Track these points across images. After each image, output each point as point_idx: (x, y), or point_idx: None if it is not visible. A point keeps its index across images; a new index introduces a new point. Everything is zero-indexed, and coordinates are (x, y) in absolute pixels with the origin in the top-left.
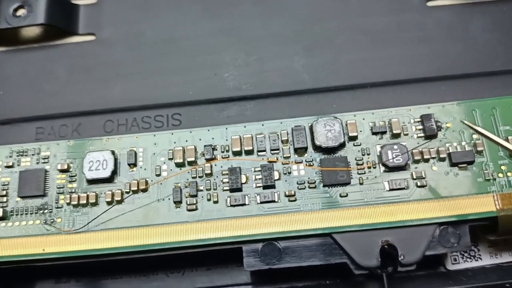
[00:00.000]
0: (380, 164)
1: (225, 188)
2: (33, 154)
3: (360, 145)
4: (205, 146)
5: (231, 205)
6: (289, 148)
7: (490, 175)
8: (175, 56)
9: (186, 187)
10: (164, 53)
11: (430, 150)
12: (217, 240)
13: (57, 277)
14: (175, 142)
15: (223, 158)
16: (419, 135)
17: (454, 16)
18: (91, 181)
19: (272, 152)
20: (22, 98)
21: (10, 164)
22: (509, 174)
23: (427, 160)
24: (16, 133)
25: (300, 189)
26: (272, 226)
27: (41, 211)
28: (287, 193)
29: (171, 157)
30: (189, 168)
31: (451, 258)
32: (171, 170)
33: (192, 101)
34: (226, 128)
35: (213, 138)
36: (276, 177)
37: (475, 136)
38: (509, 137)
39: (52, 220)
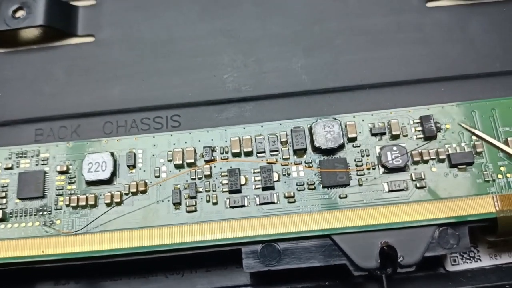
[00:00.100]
0: (379, 165)
1: (224, 190)
2: (32, 156)
3: (359, 146)
4: (204, 147)
5: (230, 207)
6: (289, 149)
7: (489, 176)
8: (174, 57)
9: (186, 188)
10: (163, 54)
11: (430, 151)
12: (217, 241)
13: (56, 279)
14: (174, 144)
15: (222, 159)
16: (418, 136)
17: (453, 17)
18: (90, 183)
19: (271, 153)
20: (21, 100)
21: (9, 165)
22: (508, 175)
23: (426, 161)
24: (15, 134)
25: (299, 190)
26: (271, 227)
27: (40, 213)
28: (286, 194)
29: (170, 158)
30: (189, 169)
31: (450, 259)
32: (170, 171)
33: (191, 102)
34: (225, 130)
35: (212, 140)
36: (276, 178)
37: (474, 137)
38: (509, 138)
39: (51, 222)
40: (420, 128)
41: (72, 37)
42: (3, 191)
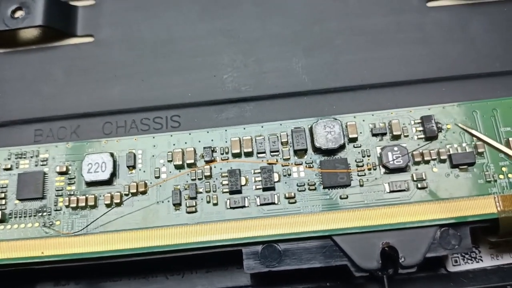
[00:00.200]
0: (380, 166)
1: (224, 190)
2: (31, 157)
3: (360, 146)
4: (204, 148)
5: (230, 207)
6: (289, 150)
7: (491, 176)
8: (174, 57)
9: (186, 189)
10: (163, 54)
11: (431, 151)
12: (217, 242)
13: (56, 280)
14: (174, 144)
15: (222, 160)
16: (419, 136)
17: (454, 17)
18: (90, 184)
19: (271, 154)
20: (20, 100)
21: (9, 166)
22: (510, 175)
23: (427, 162)
24: (15, 135)
25: (300, 191)
26: (272, 228)
27: (40, 214)
28: (287, 195)
29: (170, 159)
30: (189, 170)
31: (452, 260)
32: (170, 172)
33: (191, 102)
34: (226, 130)
35: (212, 140)
36: (276, 179)
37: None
38: (510, 139)
39: (51, 223)
40: (421, 128)
41: (71, 37)
42: (2, 192)
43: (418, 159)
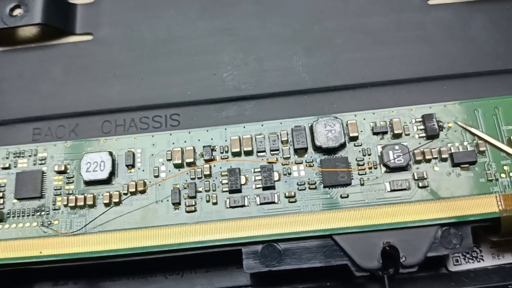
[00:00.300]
0: (381, 165)
1: (224, 189)
2: (30, 156)
3: (361, 145)
4: (204, 146)
5: (230, 207)
6: (289, 148)
7: (492, 175)
8: (173, 56)
9: (185, 188)
10: (162, 53)
11: (432, 150)
12: (216, 242)
13: (55, 280)
14: (173, 143)
15: (222, 159)
16: (420, 135)
17: (455, 15)
18: (89, 183)
19: (271, 152)
20: (18, 99)
21: (7, 165)
22: (511, 174)
23: (428, 161)
24: (13, 134)
25: (300, 190)
26: (272, 227)
27: (38, 213)
28: (287, 194)
29: (170, 158)
30: (188, 169)
31: (453, 259)
32: (169, 171)
33: (191, 101)
34: (225, 129)
35: (212, 139)
36: (276, 178)
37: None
38: None
39: (49, 222)
40: (422, 127)
41: (70, 35)
42: (0, 191)
43: (419, 158)
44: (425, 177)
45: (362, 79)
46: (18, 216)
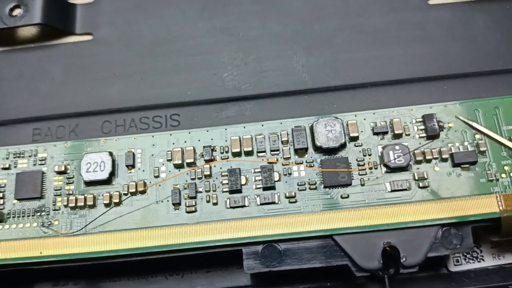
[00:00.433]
0: (381, 165)
1: (224, 190)
2: (30, 156)
3: (361, 145)
4: (204, 147)
5: (230, 207)
6: (289, 148)
7: (493, 175)
8: (173, 56)
9: (185, 188)
10: (162, 53)
11: (432, 150)
12: (217, 242)
13: (55, 280)
14: (173, 143)
15: (222, 159)
16: (421, 135)
17: (455, 15)
18: (89, 183)
19: (272, 153)
20: (18, 99)
21: (7, 166)
22: None
23: (429, 161)
24: (13, 134)
25: (300, 190)
26: (272, 228)
27: (38, 214)
28: (287, 194)
29: (170, 158)
30: (188, 169)
31: (453, 260)
32: (169, 171)
33: (191, 101)
34: (226, 129)
35: (212, 139)
36: (276, 178)
37: (477, 136)
38: None
39: (49, 223)
40: (422, 127)
41: (70, 35)
42: (0, 192)
43: (419, 158)
44: (426, 177)
45: (362, 79)
46: (18, 217)
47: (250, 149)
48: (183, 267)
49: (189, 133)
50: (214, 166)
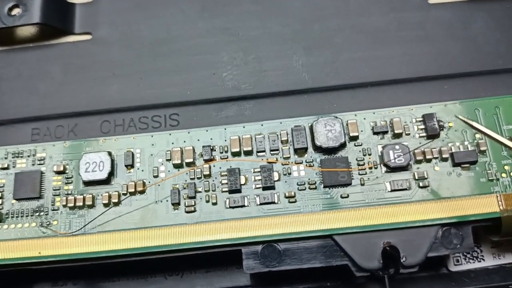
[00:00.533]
0: (381, 165)
1: (224, 190)
2: (28, 156)
3: (361, 145)
4: (203, 146)
5: (230, 207)
6: (289, 148)
7: (493, 175)
8: (172, 55)
9: (184, 188)
10: (161, 52)
11: (432, 150)
12: (216, 242)
13: (54, 280)
14: (173, 143)
15: (221, 159)
16: (421, 134)
17: (455, 14)
18: (88, 183)
19: (271, 152)
20: (17, 99)
21: (6, 165)
22: None
23: (429, 160)
24: (12, 134)
25: (300, 190)
26: (272, 227)
27: (37, 214)
28: (287, 194)
29: (169, 158)
30: (187, 169)
31: (453, 259)
32: (169, 171)
33: (190, 101)
34: (225, 129)
35: (211, 139)
36: (276, 178)
37: (478, 135)
38: None
39: (48, 223)
40: (422, 127)
41: (69, 35)
42: None
43: (419, 157)
44: (426, 177)
45: (362, 78)
46: (17, 217)
47: (249, 148)
48: (182, 267)
49: (189, 132)
50: (214, 166)
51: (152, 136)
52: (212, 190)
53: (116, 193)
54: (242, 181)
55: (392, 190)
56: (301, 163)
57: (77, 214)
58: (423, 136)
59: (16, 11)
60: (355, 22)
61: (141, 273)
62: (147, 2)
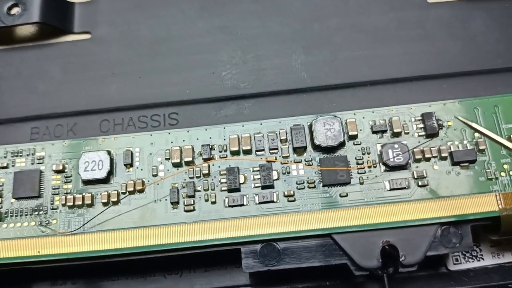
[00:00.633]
0: (380, 164)
1: (223, 189)
2: (28, 155)
3: (360, 144)
4: (202, 145)
5: (229, 206)
6: (288, 147)
7: (492, 174)
8: (171, 54)
9: (184, 187)
10: (160, 51)
11: (431, 149)
12: (215, 241)
13: (53, 279)
14: (172, 142)
15: (221, 158)
16: (420, 133)
17: (455, 13)
18: (87, 182)
19: (270, 151)
20: (16, 98)
21: (5, 164)
22: (511, 173)
23: (428, 159)
24: (11, 133)
25: (299, 189)
26: (271, 226)
27: (36, 213)
28: (286, 193)
29: (168, 157)
30: (187, 168)
31: (452, 259)
32: (168, 170)
33: (189, 100)
34: (224, 128)
35: (210, 138)
36: (275, 177)
37: (477, 134)
38: None
39: (47, 222)
40: (421, 126)
41: (68, 34)
42: None
43: (418, 156)
44: (425, 175)
45: (361, 77)
46: (16, 216)
47: (248, 147)
48: (181, 266)
49: (188, 131)
50: (213, 165)
51: (151, 135)
52: (211, 189)
53: (115, 192)
54: (241, 180)
55: (391, 189)
56: (300, 162)
57: (76, 213)
58: (422, 135)
59: (15, 10)
60: (355, 21)
61: (140, 272)
62: (147, 2)
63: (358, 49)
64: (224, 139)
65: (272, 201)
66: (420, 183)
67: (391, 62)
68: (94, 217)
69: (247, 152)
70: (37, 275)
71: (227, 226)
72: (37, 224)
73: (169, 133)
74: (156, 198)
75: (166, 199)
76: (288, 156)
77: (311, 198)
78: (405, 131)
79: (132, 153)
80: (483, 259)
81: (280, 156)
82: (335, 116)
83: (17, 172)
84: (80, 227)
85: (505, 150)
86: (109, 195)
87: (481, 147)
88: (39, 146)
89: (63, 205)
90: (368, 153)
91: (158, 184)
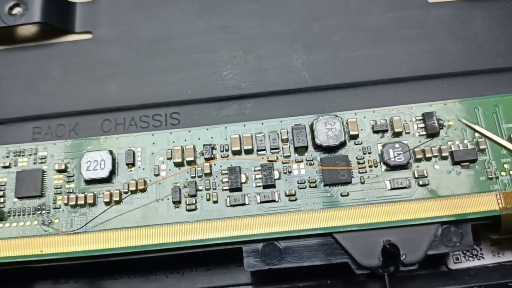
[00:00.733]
0: (381, 163)
1: (224, 188)
2: (30, 154)
3: (361, 143)
4: (204, 145)
5: (230, 205)
6: (289, 147)
7: (492, 173)
8: (173, 54)
9: (185, 187)
10: (162, 51)
11: (432, 148)
12: (217, 240)
13: (56, 278)
14: (173, 142)
15: (222, 157)
16: (420, 133)
17: (455, 13)
18: (89, 181)
19: (272, 151)
20: (18, 98)
21: (7, 164)
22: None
23: (429, 159)
24: (13, 133)
25: (300, 188)
26: (272, 226)
27: (39, 212)
28: (287, 192)
29: (170, 156)
30: (188, 167)
31: (453, 257)
32: (170, 169)
33: (191, 100)
34: (225, 127)
35: (212, 137)
36: (276, 176)
37: (477, 134)
38: None
39: (49, 221)
40: (422, 125)
41: (69, 34)
42: (0, 190)
43: (419, 156)
44: (426, 175)
45: (362, 77)
46: (18, 215)
47: (250, 147)
48: (183, 265)
49: (189, 131)
50: (214, 165)
51: (153, 134)
52: (213, 189)
53: (118, 191)
54: (243, 180)
55: (392, 189)
56: (302, 161)
57: (78, 213)
58: (423, 135)
59: (16, 10)
60: (355, 20)
61: (142, 271)
62: (147, 1)
63: (359, 49)
64: (226, 139)
65: (274, 201)
66: (420, 183)
67: (392, 62)
68: (97, 216)
69: (249, 151)
70: (39, 274)
71: (229, 225)
72: (39, 224)
73: (170, 133)
74: (158, 197)
75: (168, 199)
76: (290, 155)
77: (312, 198)
78: (406, 131)
79: (134, 153)
80: (483, 258)
81: (281, 156)
82: (336, 116)
83: (19, 172)
84: (82, 226)
85: (507, 151)
86: (111, 195)
87: (481, 147)
88: (41, 146)
89: (66, 204)
90: (369, 153)
91: (160, 183)
